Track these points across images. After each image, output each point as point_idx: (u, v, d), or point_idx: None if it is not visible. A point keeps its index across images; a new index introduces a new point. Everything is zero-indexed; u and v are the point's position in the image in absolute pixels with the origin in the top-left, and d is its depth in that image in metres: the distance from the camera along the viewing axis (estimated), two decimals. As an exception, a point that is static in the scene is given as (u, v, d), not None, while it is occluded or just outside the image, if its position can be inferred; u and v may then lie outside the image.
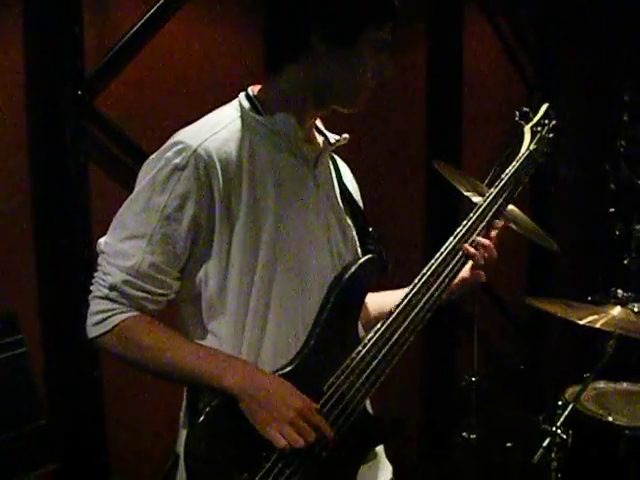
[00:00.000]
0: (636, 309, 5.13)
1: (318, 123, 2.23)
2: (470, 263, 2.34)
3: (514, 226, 3.12)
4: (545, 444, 3.26)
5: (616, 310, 3.24)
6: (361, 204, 2.37)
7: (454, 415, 4.56)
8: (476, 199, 3.13)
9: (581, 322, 3.11)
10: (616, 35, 5.81)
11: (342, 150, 2.29)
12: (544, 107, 2.74)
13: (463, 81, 4.93)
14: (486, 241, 2.33)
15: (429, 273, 2.20)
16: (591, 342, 3.54)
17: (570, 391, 3.59)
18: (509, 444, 4.23)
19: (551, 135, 2.67)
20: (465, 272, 2.37)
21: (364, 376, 2.07)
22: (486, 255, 2.32)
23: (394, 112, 4.56)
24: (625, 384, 3.89)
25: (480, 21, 5.17)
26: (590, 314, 3.18)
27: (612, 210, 5.56)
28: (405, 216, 4.72)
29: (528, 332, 5.60)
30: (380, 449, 2.28)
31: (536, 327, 5.50)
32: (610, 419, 3.50)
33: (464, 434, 4.06)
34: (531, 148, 2.58)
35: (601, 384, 3.82)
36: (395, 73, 2.14)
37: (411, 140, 4.76)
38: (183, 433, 2.07)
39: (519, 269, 5.54)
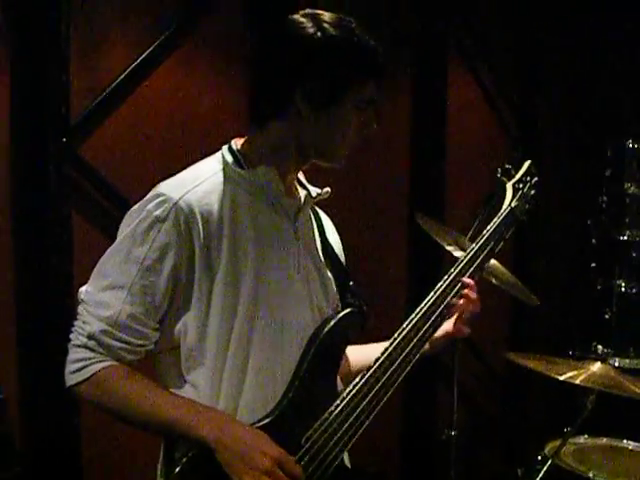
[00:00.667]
0: (617, 364, 5.17)
1: (300, 176, 2.25)
2: (454, 317, 2.36)
3: (494, 280, 3.14)
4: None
5: (596, 366, 3.23)
6: (343, 257, 2.38)
7: (433, 469, 4.54)
8: (457, 253, 3.15)
9: (561, 378, 3.11)
10: (597, 91, 5.89)
11: (324, 203, 2.30)
12: (526, 164, 2.78)
13: (446, 134, 4.96)
14: (472, 294, 2.35)
15: (409, 327, 2.21)
16: (571, 397, 3.54)
17: (549, 446, 3.58)
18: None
19: (533, 192, 2.70)
20: (448, 325, 2.39)
21: (342, 430, 2.07)
22: (470, 308, 2.35)
23: (377, 164, 4.59)
24: (605, 439, 3.87)
25: (464, 75, 5.21)
26: (570, 370, 3.17)
27: (593, 265, 5.58)
28: (387, 269, 4.73)
29: (508, 386, 5.59)
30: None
31: (516, 381, 5.48)
32: (590, 475, 3.47)
33: (444, 486, 4.03)
34: (512, 205, 2.61)
35: (581, 439, 3.80)
36: (377, 128, 2.16)
37: (394, 192, 4.78)
38: (161, 484, 2.06)
39: (501, 322, 5.55)
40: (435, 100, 4.92)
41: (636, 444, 3.82)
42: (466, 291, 2.35)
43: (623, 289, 5.41)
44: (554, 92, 5.83)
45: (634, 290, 5.39)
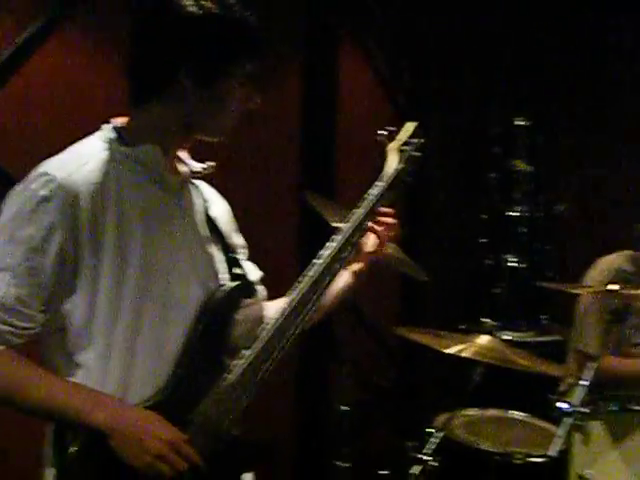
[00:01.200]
0: (507, 338, 5.28)
1: (180, 153, 2.24)
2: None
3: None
4: (415, 472, 3.31)
5: (484, 339, 3.29)
6: (233, 230, 2.38)
7: (327, 444, 4.57)
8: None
9: (448, 351, 3.16)
10: (489, 70, 5.98)
11: (214, 179, 2.30)
12: (410, 126, 2.74)
13: (337, 113, 4.98)
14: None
15: (297, 295, 2.23)
16: (461, 370, 3.60)
17: (440, 419, 3.63)
18: (383, 472, 4.25)
19: (418, 154, 2.68)
20: (347, 277, 2.43)
21: (232, 402, 2.08)
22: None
23: (269, 143, 4.59)
24: (494, 411, 3.96)
25: (355, 54, 5.24)
26: (458, 343, 3.23)
27: (483, 240, 5.68)
28: (279, 245, 4.74)
29: (401, 360, 5.66)
30: (249, 477, 2.29)
31: (409, 355, 5.56)
32: (480, 445, 3.55)
33: (338, 463, 4.06)
34: (398, 168, 2.59)
35: (470, 412, 3.87)
36: (268, 105, 2.17)
37: (286, 170, 4.79)
38: (50, 472, 2.04)
39: (391, 297, 5.60)
40: (326, 79, 4.94)
41: (523, 414, 3.91)
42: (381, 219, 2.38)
43: (512, 264, 5.53)
44: (446, 73, 5.89)
45: (522, 265, 5.52)
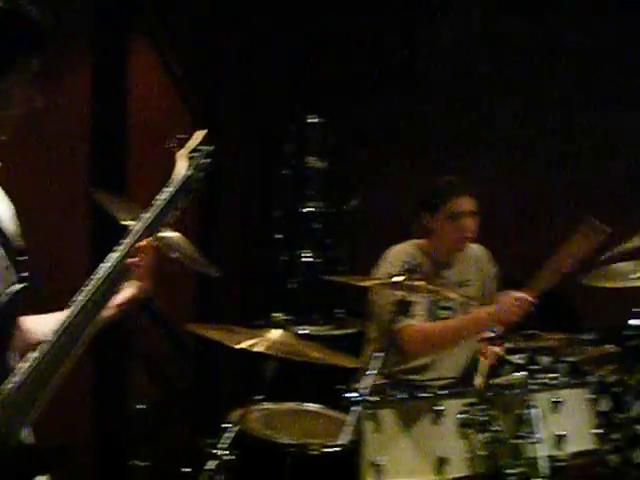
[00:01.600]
0: (303, 332, 5.36)
1: None
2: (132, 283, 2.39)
3: (175, 254, 3.18)
4: (211, 467, 3.33)
5: (276, 334, 3.34)
6: (15, 230, 2.34)
7: (125, 444, 4.54)
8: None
9: (239, 346, 3.19)
10: (281, 68, 6.05)
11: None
12: (199, 133, 2.78)
13: (129, 112, 4.94)
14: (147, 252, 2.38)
15: (86, 295, 2.21)
16: (255, 365, 3.64)
17: (236, 414, 3.66)
18: (186, 470, 4.25)
19: (207, 161, 2.72)
20: (128, 291, 2.42)
21: (17, 406, 2.04)
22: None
23: (58, 142, 4.52)
24: (290, 404, 4.02)
25: (147, 52, 5.21)
26: (250, 338, 3.27)
27: (278, 237, 5.74)
28: (69, 244, 4.66)
29: (197, 357, 5.66)
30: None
31: (205, 352, 5.56)
32: (275, 438, 3.61)
33: (136, 462, 4.04)
34: (188, 174, 2.62)
35: (266, 405, 3.92)
36: (45, 102, 2.14)
37: (75, 168, 4.71)
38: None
39: (187, 295, 5.59)
40: (116, 76, 4.89)
41: (317, 406, 3.99)
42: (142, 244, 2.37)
43: (307, 259, 5.61)
44: (237, 68, 5.92)
45: (316, 260, 5.61)
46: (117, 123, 4.90)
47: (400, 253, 4.12)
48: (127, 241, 2.34)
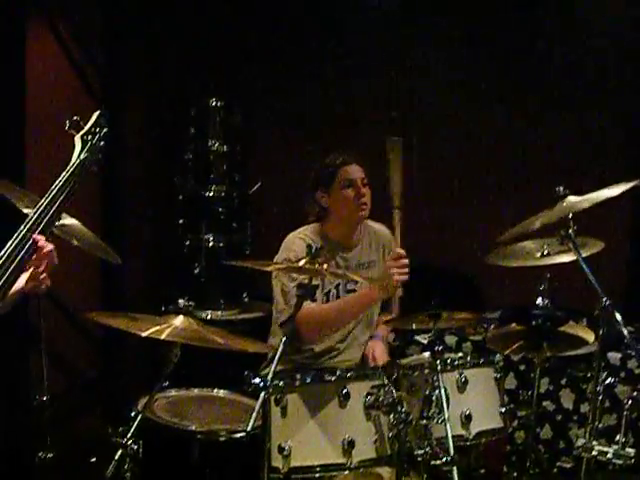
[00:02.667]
0: (209, 317, 5.33)
1: None
2: (27, 274, 2.34)
3: (75, 242, 3.12)
4: (117, 457, 3.28)
5: (179, 320, 3.29)
6: None
7: (29, 436, 4.46)
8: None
9: (144, 334, 3.14)
10: (185, 52, 5.99)
11: None
12: (95, 115, 2.77)
13: (27, 97, 4.82)
14: (49, 246, 2.33)
15: None
16: (160, 352, 3.60)
17: (141, 402, 3.61)
18: (93, 459, 4.19)
19: (102, 143, 2.70)
20: (20, 283, 2.37)
21: None
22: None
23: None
24: (196, 390, 3.99)
25: (45, 36, 5.09)
26: (154, 325, 3.21)
27: (181, 221, 5.69)
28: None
29: (104, 346, 5.59)
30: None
31: (111, 341, 5.49)
32: (182, 425, 3.58)
33: (40, 454, 3.97)
34: (82, 157, 2.59)
35: (172, 392, 3.89)
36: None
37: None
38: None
39: (91, 283, 5.52)
40: (13, 62, 4.76)
41: (224, 392, 3.97)
42: (38, 239, 2.33)
43: (211, 244, 5.57)
44: (138, 53, 5.85)
45: (221, 244, 5.58)
46: (15, 110, 4.77)
47: (301, 237, 4.12)
48: (24, 230, 2.30)
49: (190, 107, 5.79)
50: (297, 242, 4.08)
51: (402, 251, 3.92)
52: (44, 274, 2.40)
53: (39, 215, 2.37)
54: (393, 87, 5.99)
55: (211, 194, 5.61)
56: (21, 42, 4.81)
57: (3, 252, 2.26)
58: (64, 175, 2.50)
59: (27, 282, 2.40)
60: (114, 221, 5.52)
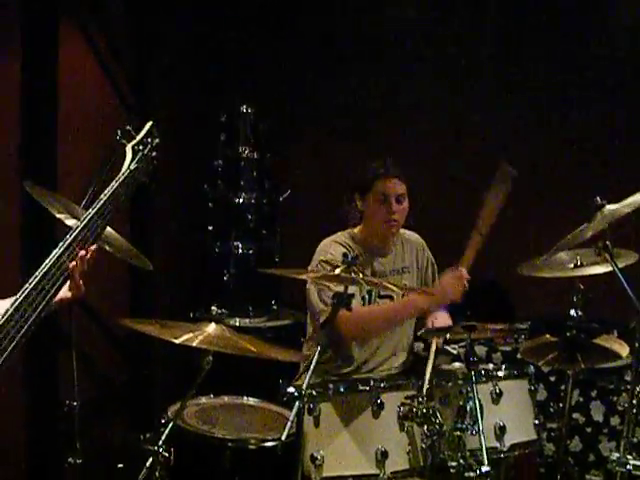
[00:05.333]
0: (237, 324, 5.32)
1: None
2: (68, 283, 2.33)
3: (108, 247, 3.11)
4: (148, 464, 3.28)
5: (211, 327, 3.28)
6: None
7: (59, 441, 4.47)
8: (70, 222, 3.08)
9: (177, 341, 3.14)
10: (209, 56, 6.00)
11: None
12: (148, 125, 2.73)
13: (59, 100, 4.83)
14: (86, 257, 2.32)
15: (30, 291, 2.15)
16: (192, 359, 3.59)
17: (172, 409, 3.61)
18: (120, 465, 4.20)
19: (154, 154, 2.67)
20: (65, 291, 2.37)
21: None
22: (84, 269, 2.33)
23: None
24: (226, 398, 3.98)
25: (78, 40, 5.09)
26: (186, 332, 3.21)
27: (210, 228, 5.68)
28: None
29: (133, 353, 5.58)
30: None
31: (140, 347, 5.48)
32: (213, 433, 3.57)
33: (70, 460, 3.98)
34: (132, 167, 2.56)
35: (202, 400, 3.88)
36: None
37: (5, 160, 4.60)
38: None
39: (120, 289, 5.51)
40: (47, 64, 4.76)
41: (255, 400, 3.96)
42: (81, 253, 2.31)
43: (240, 251, 5.57)
44: (169, 59, 5.85)
45: (250, 251, 5.57)
46: (48, 114, 4.78)
47: (335, 244, 4.09)
48: (70, 239, 2.29)
49: (220, 113, 5.80)
50: (334, 246, 4.07)
51: (466, 274, 3.91)
52: (81, 281, 2.39)
53: (86, 225, 2.34)
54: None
55: (241, 201, 5.60)
56: (54, 48, 4.81)
57: (49, 262, 2.24)
58: (114, 185, 2.46)
59: (70, 291, 2.38)
60: (144, 227, 5.50)
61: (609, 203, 3.75)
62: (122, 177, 2.52)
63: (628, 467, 3.51)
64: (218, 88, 6.02)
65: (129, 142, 2.65)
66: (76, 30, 5.08)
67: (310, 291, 4.03)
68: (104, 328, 5.30)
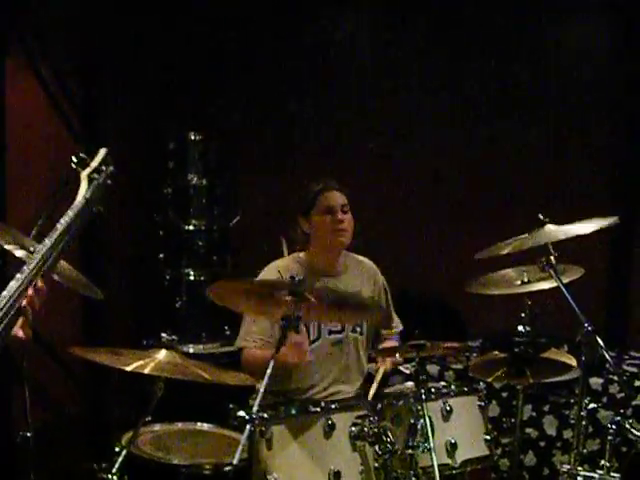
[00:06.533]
0: (191, 351, 5.32)
1: None
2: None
3: (57, 277, 3.10)
4: (102, 492, 3.27)
5: (162, 354, 3.29)
6: None
7: (12, 472, 4.43)
8: (19, 253, 3.06)
9: (128, 369, 3.14)
10: (157, 84, 6.02)
11: None
12: (102, 152, 2.68)
13: (6, 132, 4.83)
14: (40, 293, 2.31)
15: None
16: (143, 387, 3.59)
17: (126, 437, 3.60)
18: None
19: (109, 182, 2.62)
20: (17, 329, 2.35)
21: None
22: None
23: None
24: (180, 424, 3.97)
25: (24, 72, 5.11)
26: (137, 360, 3.21)
27: (161, 256, 5.69)
28: None
29: (86, 381, 5.56)
30: None
31: (94, 376, 5.46)
32: (168, 459, 3.57)
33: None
34: (87, 196, 2.52)
35: (157, 427, 3.87)
36: None
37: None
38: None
39: (72, 318, 5.50)
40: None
41: (209, 425, 3.96)
42: (31, 292, 2.30)
43: (192, 277, 5.58)
44: (115, 87, 5.86)
45: (202, 278, 5.58)
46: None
47: (284, 267, 4.10)
48: (28, 272, 2.28)
49: (168, 141, 5.81)
50: (271, 271, 4.09)
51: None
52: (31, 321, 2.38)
53: (42, 257, 2.32)
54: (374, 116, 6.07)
55: (191, 228, 5.62)
56: (0, 78, 4.82)
57: (5, 296, 2.23)
58: (69, 214, 2.43)
59: (22, 329, 2.37)
60: (94, 256, 5.49)
61: (552, 223, 3.81)
62: (78, 206, 2.47)
63: (579, 478, 3.55)
64: (165, 116, 6.03)
65: (83, 170, 2.60)
66: (24, 62, 5.09)
67: (245, 320, 4.08)
68: (56, 358, 5.28)
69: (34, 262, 2.30)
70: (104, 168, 2.61)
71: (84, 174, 2.57)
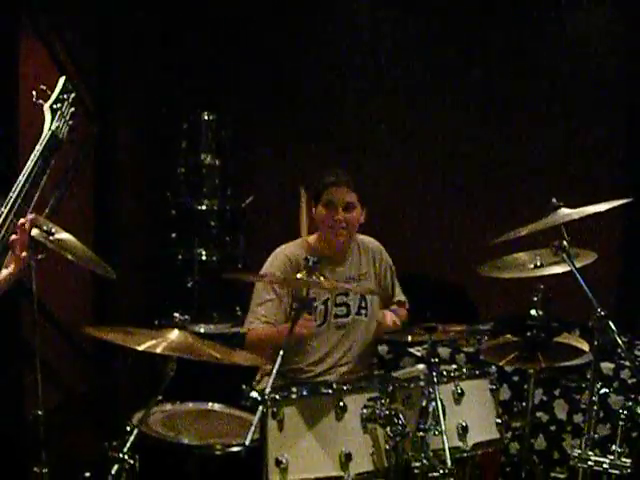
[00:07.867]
0: (202, 330, 5.33)
1: None
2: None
3: (69, 256, 3.10)
4: (114, 471, 3.27)
5: (174, 334, 3.28)
6: None
7: (24, 451, 4.44)
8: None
9: (140, 348, 3.13)
10: (171, 63, 6.01)
11: None
12: (61, 81, 2.70)
13: (19, 113, 4.82)
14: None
15: None
16: (155, 366, 3.59)
17: (137, 416, 3.60)
18: (87, 474, 4.18)
19: (72, 109, 2.64)
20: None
21: None
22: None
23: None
24: (191, 404, 3.97)
25: (39, 52, 5.09)
26: (149, 339, 3.20)
27: (174, 235, 5.69)
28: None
29: (97, 360, 5.58)
30: None
31: (105, 354, 5.47)
32: (178, 439, 3.57)
33: (35, 469, 3.95)
34: (53, 127, 2.55)
35: (168, 406, 3.87)
36: None
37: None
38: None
39: (84, 298, 5.50)
40: (6, 81, 4.75)
41: (220, 405, 3.96)
42: (20, 222, 2.33)
43: (204, 258, 5.58)
44: (130, 68, 5.85)
45: (214, 258, 5.58)
46: (8, 126, 4.76)
47: (294, 251, 4.12)
48: (6, 211, 2.30)
49: (182, 121, 5.80)
50: (279, 258, 4.11)
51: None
52: (23, 251, 2.41)
53: (18, 194, 2.36)
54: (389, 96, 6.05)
55: (204, 208, 5.62)
56: (15, 59, 4.80)
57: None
58: (38, 148, 2.47)
59: (13, 264, 2.40)
60: (107, 235, 5.50)
61: (566, 207, 3.79)
62: (44, 139, 2.51)
63: (589, 463, 3.54)
64: (179, 96, 6.03)
65: (46, 102, 2.63)
66: (39, 43, 5.08)
67: (256, 291, 4.10)
68: (68, 337, 5.29)
69: (10, 201, 2.34)
70: (65, 96, 2.63)
71: (46, 106, 2.61)
